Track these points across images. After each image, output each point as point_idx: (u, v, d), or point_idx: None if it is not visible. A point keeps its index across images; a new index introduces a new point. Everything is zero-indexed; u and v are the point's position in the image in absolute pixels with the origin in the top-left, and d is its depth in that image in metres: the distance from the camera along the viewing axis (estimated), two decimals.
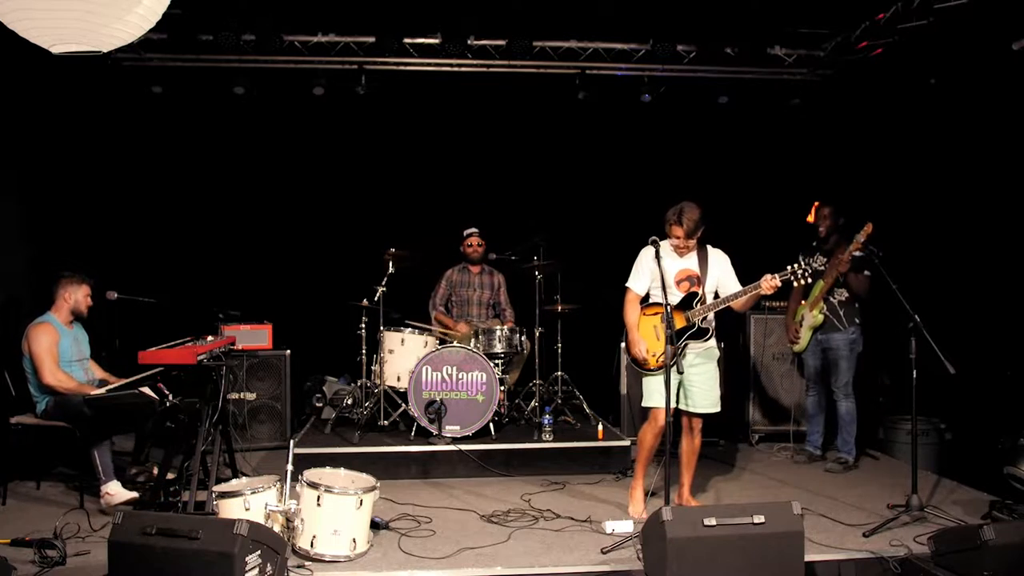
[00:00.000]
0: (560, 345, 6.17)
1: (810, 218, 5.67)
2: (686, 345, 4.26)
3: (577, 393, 6.15)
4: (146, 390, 4.51)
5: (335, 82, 6.60)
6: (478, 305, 6.40)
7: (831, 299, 5.44)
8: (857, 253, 5.24)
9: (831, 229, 5.44)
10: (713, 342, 4.39)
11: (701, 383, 4.32)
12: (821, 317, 5.44)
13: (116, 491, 4.46)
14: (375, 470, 4.62)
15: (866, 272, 5.28)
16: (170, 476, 4.44)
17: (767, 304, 6.19)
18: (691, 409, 4.34)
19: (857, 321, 5.37)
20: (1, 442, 4.75)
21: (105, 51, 2.87)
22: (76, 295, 4.78)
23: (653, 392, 4.32)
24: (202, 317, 5.58)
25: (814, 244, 5.46)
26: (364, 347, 5.90)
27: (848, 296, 5.38)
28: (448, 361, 5.46)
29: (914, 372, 4.21)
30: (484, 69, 6.71)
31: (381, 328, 5.73)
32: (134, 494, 4.47)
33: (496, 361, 5.65)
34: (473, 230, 6.40)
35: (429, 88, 6.84)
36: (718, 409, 4.38)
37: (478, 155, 7.14)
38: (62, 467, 5.30)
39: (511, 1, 5.88)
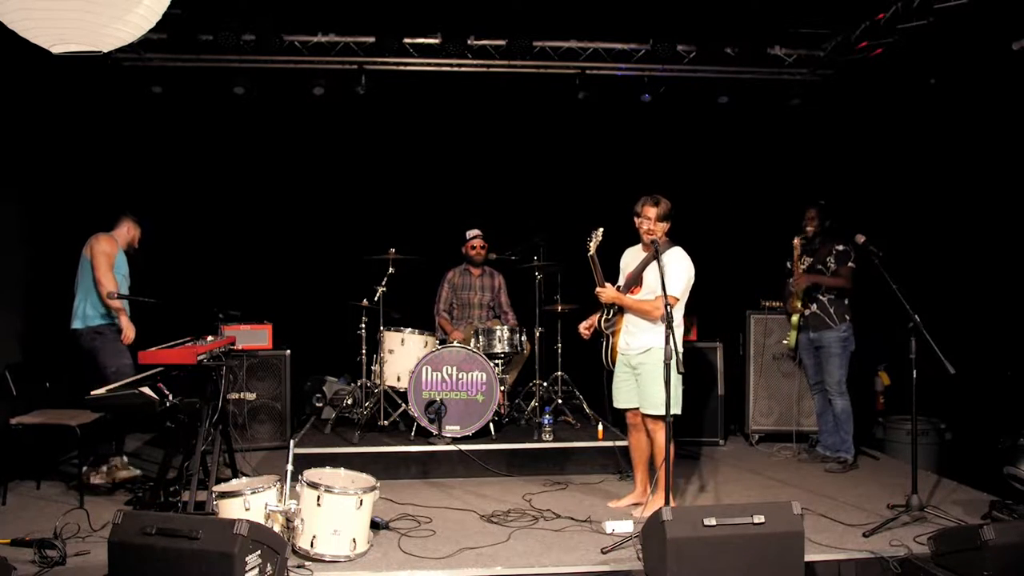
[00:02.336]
0: (560, 345, 6.17)
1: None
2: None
3: (577, 393, 6.15)
4: (146, 390, 4.51)
5: (335, 82, 6.60)
6: (479, 307, 6.41)
7: (820, 297, 5.46)
8: (840, 247, 5.34)
9: (817, 230, 5.51)
10: (652, 344, 4.30)
11: (643, 384, 4.37)
12: (796, 318, 5.59)
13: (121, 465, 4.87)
14: (375, 470, 4.62)
15: (850, 264, 5.33)
16: (170, 476, 4.44)
17: (767, 304, 6.22)
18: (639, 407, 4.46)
19: (847, 318, 5.38)
20: (1, 442, 4.75)
21: (105, 51, 2.87)
22: (135, 232, 5.31)
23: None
24: (202, 317, 5.57)
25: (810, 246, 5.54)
26: (364, 347, 5.90)
27: (837, 293, 5.40)
28: (448, 361, 5.46)
29: (914, 372, 4.22)
30: (484, 69, 6.71)
31: (381, 328, 5.73)
32: (137, 472, 4.82)
33: (496, 361, 5.65)
34: (476, 232, 6.39)
35: (429, 88, 6.84)
36: (659, 412, 4.13)
37: (478, 155, 7.14)
38: (64, 467, 5.31)
39: (511, 1, 5.87)
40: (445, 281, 6.44)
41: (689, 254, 4.48)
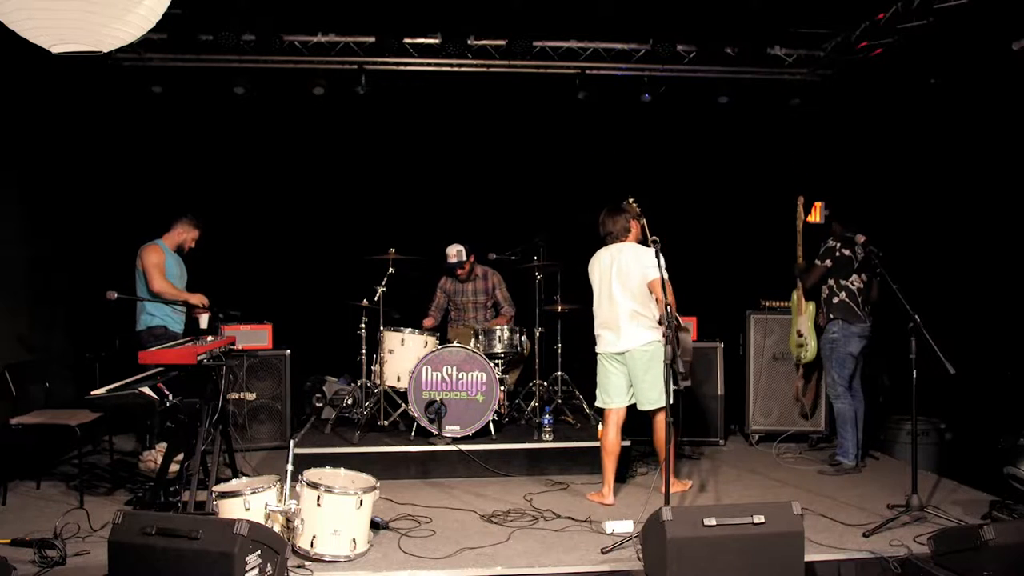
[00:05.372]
0: (560, 345, 6.16)
1: (811, 217, 5.69)
2: None
3: (577, 393, 6.14)
4: (146, 390, 4.51)
5: (335, 82, 6.60)
6: (474, 310, 6.40)
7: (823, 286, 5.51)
8: (831, 243, 5.40)
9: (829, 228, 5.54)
10: None
11: None
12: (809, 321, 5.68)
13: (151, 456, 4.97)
14: (375, 470, 4.62)
15: (817, 261, 5.43)
16: (170, 475, 4.44)
17: (767, 304, 6.22)
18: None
19: (832, 316, 5.37)
20: (1, 442, 4.76)
21: (105, 51, 2.87)
22: (188, 234, 5.44)
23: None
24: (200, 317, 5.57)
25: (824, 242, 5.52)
26: (364, 347, 5.89)
27: (827, 293, 5.42)
28: (448, 361, 5.46)
29: (914, 372, 4.21)
30: (484, 69, 6.71)
31: (381, 328, 5.72)
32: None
33: (496, 361, 5.65)
34: (454, 256, 6.13)
35: (429, 88, 6.84)
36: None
37: (478, 155, 7.14)
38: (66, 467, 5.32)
39: (511, 1, 5.87)
40: (438, 288, 6.43)
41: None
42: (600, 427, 5.49)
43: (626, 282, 4.60)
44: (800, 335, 5.73)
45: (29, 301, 5.65)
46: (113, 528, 3.15)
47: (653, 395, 4.58)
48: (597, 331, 4.84)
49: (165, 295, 5.12)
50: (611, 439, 4.73)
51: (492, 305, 6.48)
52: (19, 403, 4.90)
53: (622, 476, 5.13)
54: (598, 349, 4.85)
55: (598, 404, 4.87)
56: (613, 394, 4.76)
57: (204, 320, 5.15)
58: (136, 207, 6.70)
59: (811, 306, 5.68)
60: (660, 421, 4.58)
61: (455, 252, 6.18)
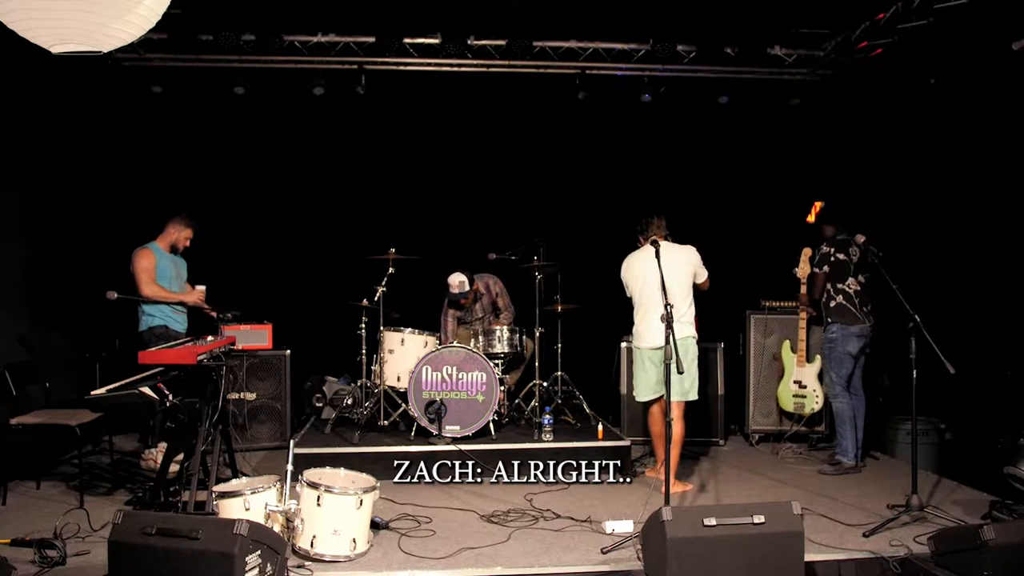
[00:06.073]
0: (560, 345, 6.17)
1: (810, 218, 5.70)
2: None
3: (577, 393, 6.14)
4: (146, 390, 4.51)
5: (335, 82, 6.60)
6: (482, 320, 6.38)
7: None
8: (825, 249, 5.45)
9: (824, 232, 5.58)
10: None
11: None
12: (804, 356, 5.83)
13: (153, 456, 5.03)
14: (375, 470, 4.62)
15: (815, 270, 5.48)
16: (171, 475, 4.44)
17: (767, 304, 6.22)
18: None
19: (830, 320, 5.44)
20: (1, 442, 4.76)
21: (105, 51, 2.87)
22: (179, 233, 5.45)
23: None
24: (202, 317, 5.58)
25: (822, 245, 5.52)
26: (364, 347, 5.90)
27: (825, 298, 5.47)
28: (448, 361, 5.46)
29: (914, 372, 4.22)
30: (484, 69, 6.71)
31: (381, 328, 5.73)
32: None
33: (496, 361, 5.65)
34: (457, 287, 5.97)
35: (429, 88, 6.84)
36: None
37: (478, 155, 7.14)
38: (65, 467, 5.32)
39: (511, 1, 5.88)
40: (448, 316, 6.28)
41: None
42: (600, 427, 5.54)
43: (671, 278, 4.52)
44: (802, 386, 5.79)
45: (29, 301, 5.65)
46: (113, 528, 3.15)
47: (681, 387, 4.69)
48: (636, 327, 4.96)
49: (155, 299, 5.14)
50: (658, 426, 4.95)
51: (495, 310, 6.47)
52: (19, 403, 4.90)
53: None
54: (635, 343, 4.98)
55: (635, 395, 5.06)
56: (650, 388, 4.91)
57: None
58: (136, 207, 6.68)
59: (817, 358, 5.77)
60: (678, 416, 4.74)
61: (457, 283, 5.97)
